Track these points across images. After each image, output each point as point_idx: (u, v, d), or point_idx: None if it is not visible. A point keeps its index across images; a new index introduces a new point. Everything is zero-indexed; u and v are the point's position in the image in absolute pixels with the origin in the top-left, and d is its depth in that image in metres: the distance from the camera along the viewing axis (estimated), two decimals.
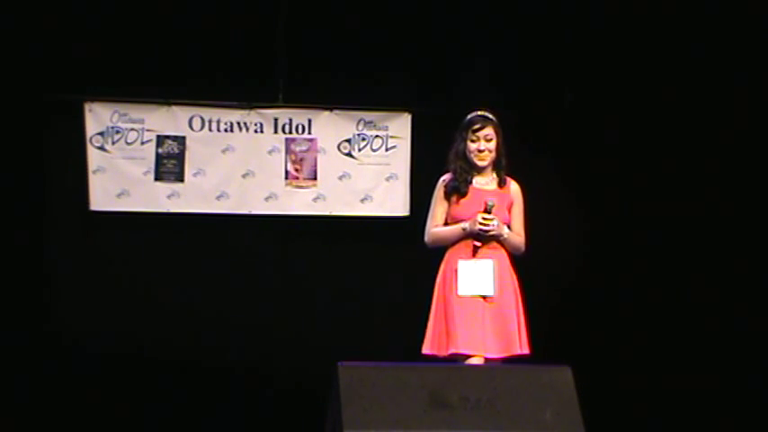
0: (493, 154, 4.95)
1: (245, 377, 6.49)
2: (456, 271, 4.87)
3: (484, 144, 4.93)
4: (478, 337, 4.79)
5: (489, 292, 4.83)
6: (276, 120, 6.63)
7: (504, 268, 4.91)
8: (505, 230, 4.90)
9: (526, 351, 4.89)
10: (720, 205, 6.56)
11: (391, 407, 3.65)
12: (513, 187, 5.03)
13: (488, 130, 4.94)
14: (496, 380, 3.83)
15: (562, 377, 3.86)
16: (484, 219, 4.82)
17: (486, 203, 4.84)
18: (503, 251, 4.93)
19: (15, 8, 6.27)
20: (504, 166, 5.01)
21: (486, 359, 4.78)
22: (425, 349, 4.91)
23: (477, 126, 4.93)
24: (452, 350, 4.79)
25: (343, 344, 6.07)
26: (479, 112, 4.98)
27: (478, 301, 4.83)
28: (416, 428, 3.64)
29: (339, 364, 3.73)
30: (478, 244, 4.85)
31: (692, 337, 6.56)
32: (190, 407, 6.42)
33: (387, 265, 6.71)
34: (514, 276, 4.96)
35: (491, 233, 4.84)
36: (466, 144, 4.95)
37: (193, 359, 6.46)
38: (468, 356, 4.76)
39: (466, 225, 4.87)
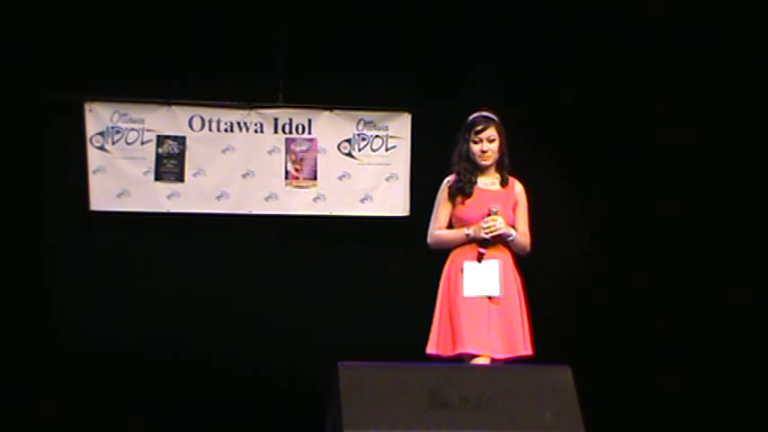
0: (496, 154, 4.95)
1: (245, 377, 6.49)
2: (461, 271, 4.86)
3: (487, 145, 4.93)
4: (484, 338, 4.79)
5: (495, 292, 4.83)
6: (276, 120, 6.64)
7: (508, 269, 4.91)
8: (512, 231, 4.90)
9: (529, 352, 4.89)
10: (722, 205, 6.56)
11: (391, 407, 3.65)
12: (517, 187, 5.03)
13: (491, 131, 4.93)
14: (496, 380, 3.83)
15: (562, 377, 3.86)
16: (487, 221, 4.82)
17: (489, 210, 4.84)
18: (507, 252, 4.93)
19: (16, 8, 6.27)
20: (507, 165, 5.01)
21: (492, 359, 4.78)
22: (430, 349, 4.91)
23: (479, 127, 4.93)
24: (459, 350, 4.78)
25: (343, 344, 6.07)
26: (481, 113, 4.98)
27: (483, 302, 4.83)
28: (416, 428, 3.64)
29: (339, 364, 3.73)
30: (483, 251, 4.85)
31: (692, 338, 6.56)
32: (190, 407, 6.42)
33: (387, 265, 6.71)
34: (518, 277, 4.96)
35: (497, 233, 4.83)
36: (468, 145, 4.95)
37: (193, 359, 6.46)
38: (474, 356, 4.77)
39: (470, 231, 4.87)
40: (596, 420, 4.10)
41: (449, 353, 4.84)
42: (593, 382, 4.64)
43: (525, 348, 4.87)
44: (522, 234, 4.97)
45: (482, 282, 4.83)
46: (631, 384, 6.56)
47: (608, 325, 6.67)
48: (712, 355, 6.50)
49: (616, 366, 6.57)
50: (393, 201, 6.71)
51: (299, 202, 6.65)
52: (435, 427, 3.65)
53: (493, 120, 4.95)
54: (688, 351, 6.55)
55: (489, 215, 4.83)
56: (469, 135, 4.95)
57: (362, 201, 6.70)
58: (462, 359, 4.79)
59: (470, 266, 4.85)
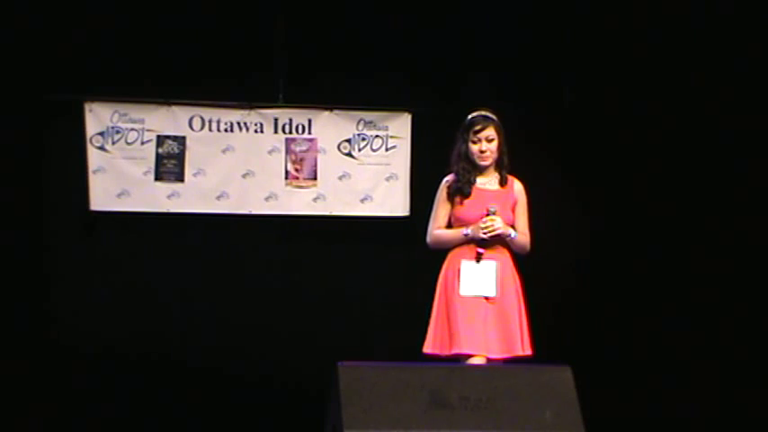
0: (495, 154, 4.95)
1: (245, 377, 6.48)
2: (459, 271, 4.87)
3: (485, 145, 4.93)
4: (481, 338, 4.79)
5: (491, 293, 4.83)
6: (276, 120, 6.64)
7: (506, 269, 4.91)
8: (511, 231, 4.90)
9: (528, 352, 4.88)
10: (721, 205, 6.56)
11: (391, 407, 3.65)
12: (517, 186, 5.03)
13: (489, 131, 4.93)
14: (496, 380, 3.83)
15: (562, 377, 3.86)
16: (485, 221, 4.82)
17: (487, 210, 4.84)
18: (506, 253, 4.93)
19: (16, 8, 6.27)
20: (507, 165, 5.01)
21: (488, 359, 4.78)
22: (427, 348, 4.91)
23: (478, 127, 4.93)
24: (455, 350, 4.79)
25: (343, 344, 6.08)
26: (480, 112, 4.97)
27: (481, 302, 4.84)
28: (416, 428, 3.64)
29: (339, 364, 3.73)
30: (482, 251, 4.85)
31: (692, 337, 6.56)
32: (190, 407, 6.41)
33: (387, 265, 6.71)
34: (517, 277, 4.96)
35: (495, 233, 4.83)
36: (467, 145, 4.95)
37: (193, 359, 6.46)
38: (470, 356, 4.76)
39: (468, 231, 4.87)
40: (596, 420, 4.10)
41: (446, 352, 4.85)
42: (593, 382, 4.64)
43: (523, 349, 4.87)
44: (521, 233, 4.97)
45: (478, 282, 4.83)
46: (631, 384, 6.56)
47: (608, 325, 6.67)
48: (713, 354, 6.50)
49: (616, 366, 6.57)
50: (393, 201, 6.71)
51: (299, 202, 6.65)
52: (435, 427, 3.65)
53: (492, 119, 4.95)
54: (688, 351, 6.54)
55: (488, 215, 4.83)
56: (468, 135, 4.95)
57: (362, 201, 6.70)
58: (458, 359, 4.79)
59: (468, 266, 4.85)
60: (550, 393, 3.80)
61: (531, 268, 5.11)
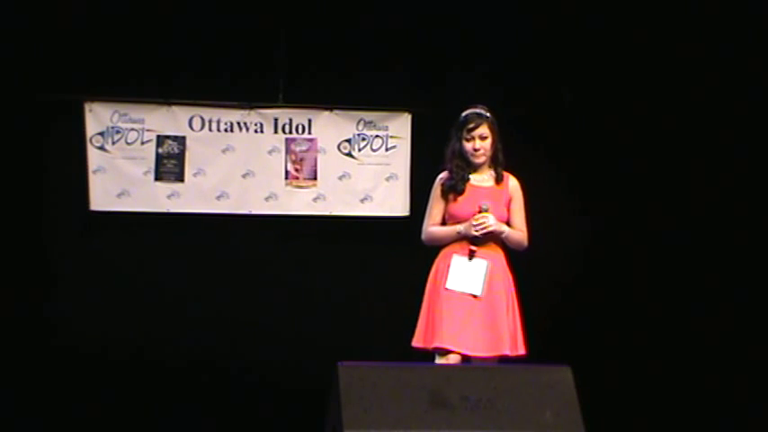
0: (488, 152, 4.95)
1: (245, 377, 6.49)
2: (449, 266, 4.86)
3: (479, 143, 4.93)
4: (462, 334, 4.77)
5: (477, 291, 4.82)
6: (276, 120, 6.64)
7: (498, 269, 4.90)
8: (504, 228, 4.90)
9: (521, 352, 4.85)
10: (721, 205, 6.56)
11: (391, 407, 3.65)
12: (512, 183, 5.02)
13: (483, 129, 4.92)
14: (496, 380, 3.83)
15: (562, 377, 3.86)
16: (477, 219, 4.82)
17: (479, 207, 4.84)
18: (500, 252, 4.93)
19: (16, 8, 6.27)
20: (501, 161, 5.00)
21: (471, 357, 4.78)
22: (414, 342, 4.92)
23: (471, 125, 4.92)
24: (436, 344, 4.80)
25: (343, 344, 6.07)
26: (474, 110, 4.97)
27: (467, 298, 4.83)
28: (416, 428, 3.64)
29: (339, 364, 3.73)
30: (474, 248, 4.85)
31: (692, 337, 6.56)
32: (190, 407, 6.42)
33: (387, 265, 6.71)
34: (510, 277, 4.94)
35: (488, 230, 4.83)
36: (461, 143, 4.95)
37: (193, 359, 6.46)
38: (449, 352, 4.76)
39: (461, 228, 4.87)
40: (596, 420, 4.10)
41: (428, 346, 4.85)
42: (593, 382, 4.64)
43: (513, 348, 4.83)
44: (518, 229, 4.96)
45: (466, 279, 4.83)
46: (631, 384, 6.56)
47: (608, 325, 6.67)
48: (713, 354, 6.50)
49: (616, 366, 6.57)
50: (393, 201, 6.71)
51: (299, 202, 6.65)
52: (435, 427, 3.65)
53: (485, 116, 4.94)
54: (688, 350, 6.55)
55: (480, 212, 4.83)
56: (461, 133, 4.95)
57: (362, 201, 6.70)
58: (440, 353, 4.78)
59: (458, 261, 4.85)
60: (550, 393, 3.80)
61: (530, 268, 5.11)
